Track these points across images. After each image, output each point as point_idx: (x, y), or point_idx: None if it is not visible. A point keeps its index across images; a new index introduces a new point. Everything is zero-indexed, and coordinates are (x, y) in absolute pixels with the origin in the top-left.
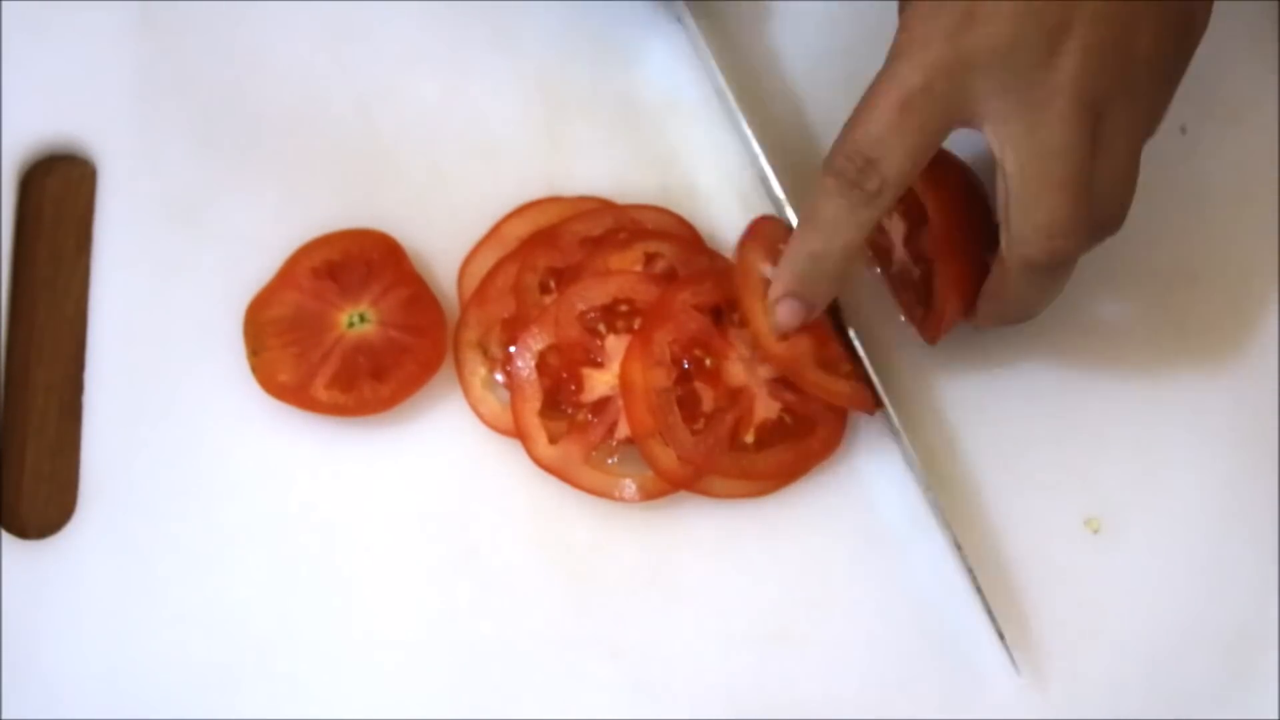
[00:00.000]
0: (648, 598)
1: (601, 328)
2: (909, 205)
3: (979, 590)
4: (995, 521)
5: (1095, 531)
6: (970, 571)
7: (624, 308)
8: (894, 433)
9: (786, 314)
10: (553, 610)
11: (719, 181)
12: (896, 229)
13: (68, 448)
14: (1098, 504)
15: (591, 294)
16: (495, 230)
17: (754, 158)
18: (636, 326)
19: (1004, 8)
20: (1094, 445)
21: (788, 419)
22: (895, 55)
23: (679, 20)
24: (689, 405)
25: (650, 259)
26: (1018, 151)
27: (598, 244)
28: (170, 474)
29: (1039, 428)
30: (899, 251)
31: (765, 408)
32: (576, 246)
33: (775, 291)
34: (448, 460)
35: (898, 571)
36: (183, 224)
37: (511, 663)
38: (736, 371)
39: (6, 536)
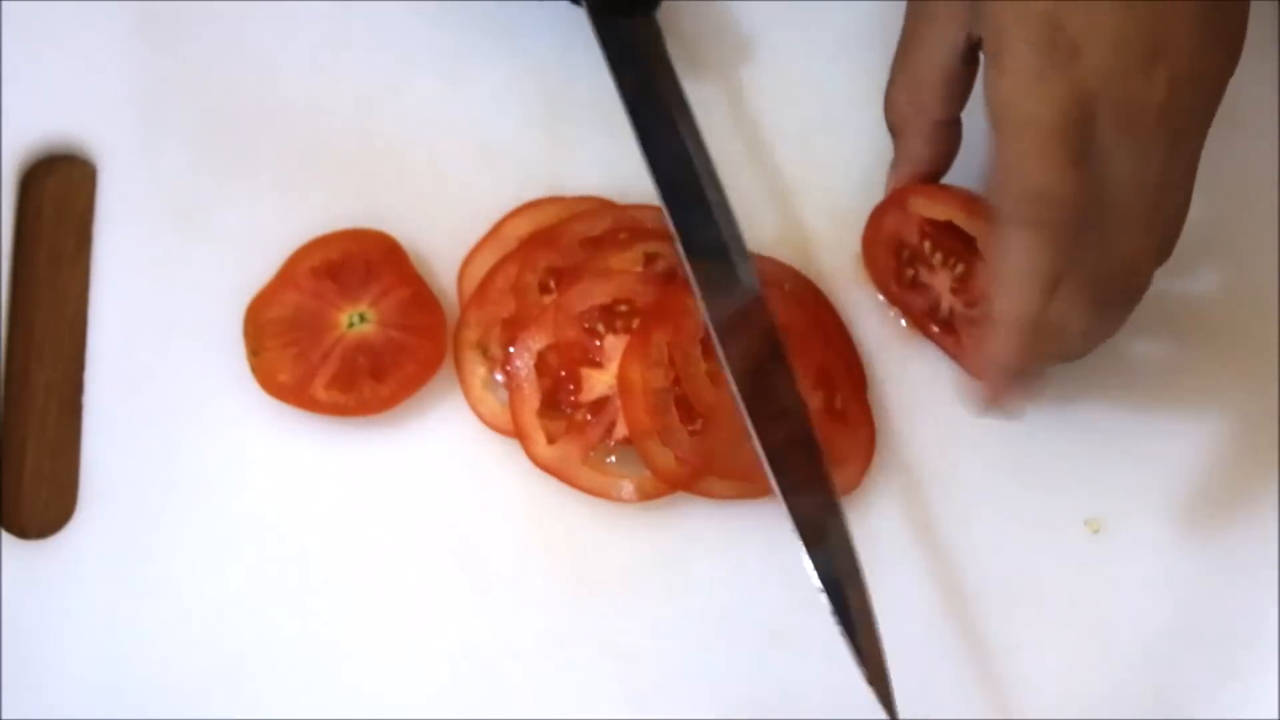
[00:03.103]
0: (648, 598)
1: (601, 328)
2: (948, 253)
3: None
4: (995, 521)
5: (1095, 531)
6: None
7: (623, 308)
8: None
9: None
10: (552, 610)
11: None
12: (941, 281)
13: (68, 448)
14: (1098, 504)
15: (591, 294)
16: (495, 230)
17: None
18: (635, 326)
19: (1102, 44)
20: (1094, 445)
21: None
22: (1008, 99)
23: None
24: (686, 406)
25: (650, 259)
26: (1122, 169)
27: (598, 244)
28: (170, 474)
29: (1039, 428)
30: (946, 300)
31: None
32: (576, 246)
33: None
34: (447, 460)
35: (896, 572)
36: (183, 224)
37: (510, 662)
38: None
39: (6, 536)
